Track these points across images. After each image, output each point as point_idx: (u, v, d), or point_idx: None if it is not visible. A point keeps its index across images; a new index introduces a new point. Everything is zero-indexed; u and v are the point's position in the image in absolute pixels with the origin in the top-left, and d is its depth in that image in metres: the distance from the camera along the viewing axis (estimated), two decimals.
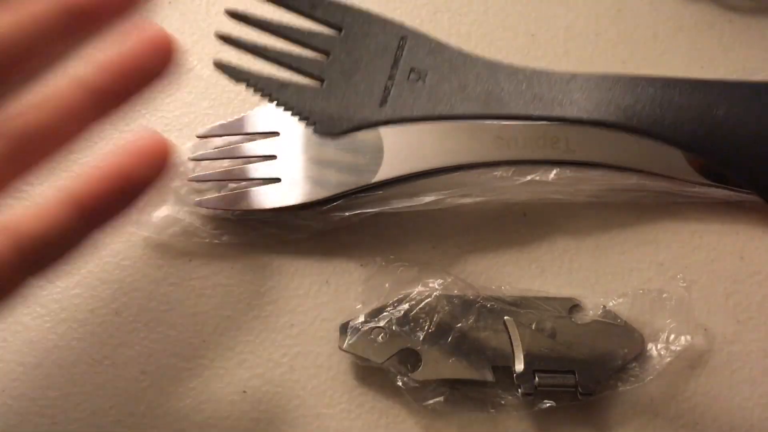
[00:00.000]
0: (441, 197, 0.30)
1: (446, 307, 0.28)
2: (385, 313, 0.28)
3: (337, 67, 0.22)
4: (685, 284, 0.29)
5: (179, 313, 0.29)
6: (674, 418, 0.27)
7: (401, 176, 0.29)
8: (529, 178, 0.30)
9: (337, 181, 0.29)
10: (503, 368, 0.27)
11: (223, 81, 0.33)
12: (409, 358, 0.27)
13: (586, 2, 0.36)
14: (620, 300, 0.29)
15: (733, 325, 0.29)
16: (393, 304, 0.28)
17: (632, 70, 0.34)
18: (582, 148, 0.29)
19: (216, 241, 0.30)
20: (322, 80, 0.22)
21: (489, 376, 0.27)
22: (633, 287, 0.29)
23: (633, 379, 0.27)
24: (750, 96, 0.20)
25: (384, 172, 0.29)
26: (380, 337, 0.27)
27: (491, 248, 0.30)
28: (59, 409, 0.27)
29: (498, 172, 0.30)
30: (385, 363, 0.27)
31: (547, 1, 0.36)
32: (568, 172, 0.30)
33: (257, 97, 0.33)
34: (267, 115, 0.31)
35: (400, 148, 0.29)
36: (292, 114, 0.22)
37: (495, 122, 0.32)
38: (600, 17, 0.35)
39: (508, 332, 0.27)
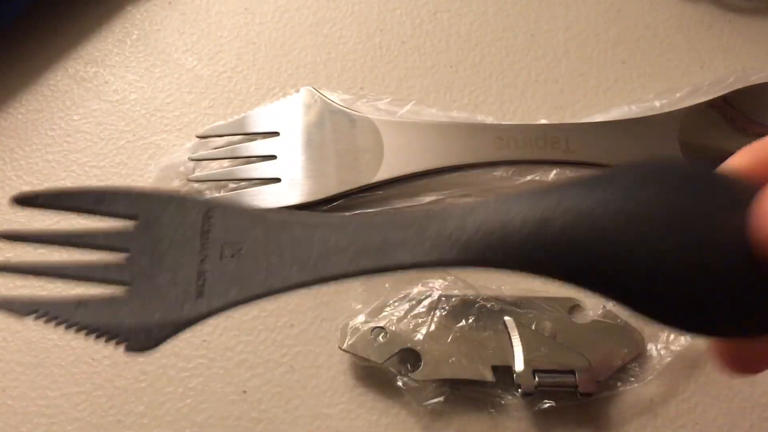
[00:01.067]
0: (441, 197, 0.30)
1: (446, 307, 0.28)
2: (385, 313, 0.28)
3: (140, 265, 0.18)
4: None
5: None
6: (674, 418, 0.27)
7: (401, 176, 0.29)
8: (529, 178, 0.30)
9: (337, 181, 0.29)
10: (503, 368, 0.27)
11: (223, 81, 0.34)
12: (409, 358, 0.27)
13: (586, 2, 0.36)
14: None
15: None
16: (393, 304, 0.28)
17: (632, 70, 0.34)
18: (582, 148, 0.29)
19: None
20: (125, 284, 0.18)
21: (489, 376, 0.27)
22: None
23: (633, 379, 0.27)
24: (584, 198, 0.18)
25: (384, 172, 0.29)
26: (380, 337, 0.27)
27: None
28: (59, 409, 0.27)
29: (498, 172, 0.30)
30: (385, 363, 0.27)
31: (547, 1, 0.36)
32: (568, 172, 0.30)
33: (257, 98, 0.34)
34: (267, 115, 0.31)
35: (400, 148, 0.29)
36: (97, 336, 0.18)
37: (495, 122, 0.32)
38: (600, 17, 0.35)
39: (508, 332, 0.27)
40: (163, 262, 0.19)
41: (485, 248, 0.18)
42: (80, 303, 0.18)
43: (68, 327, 0.18)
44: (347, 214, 0.19)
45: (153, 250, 0.19)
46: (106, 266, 0.19)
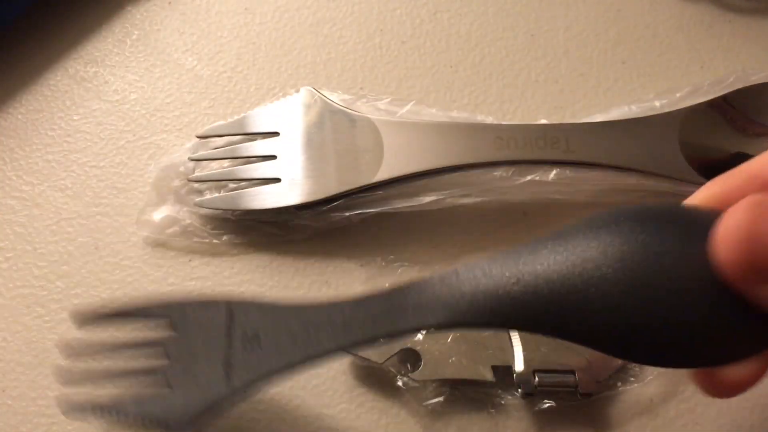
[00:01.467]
0: (441, 197, 0.30)
1: None
2: None
3: (177, 361, 0.22)
4: None
5: None
6: (674, 418, 0.27)
7: (401, 176, 0.29)
8: (529, 178, 0.30)
9: (337, 181, 0.29)
10: (503, 368, 0.27)
11: (223, 81, 0.34)
12: (409, 358, 0.27)
13: (586, 2, 0.36)
14: None
15: None
16: None
17: (632, 70, 0.34)
18: (582, 148, 0.29)
19: (216, 241, 0.30)
20: (167, 382, 0.22)
21: (489, 376, 0.27)
22: None
23: (633, 379, 0.27)
24: (545, 254, 0.19)
25: (384, 172, 0.29)
26: None
27: (491, 248, 0.30)
28: (59, 409, 0.27)
29: (498, 172, 0.30)
30: (385, 363, 0.27)
31: (547, 1, 0.36)
32: (568, 172, 0.30)
33: (257, 98, 0.34)
34: (267, 115, 0.31)
35: (400, 148, 0.29)
36: (141, 425, 0.22)
37: (495, 122, 0.32)
38: (600, 17, 0.35)
39: (508, 332, 0.27)
40: (195, 355, 0.22)
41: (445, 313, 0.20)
42: (136, 399, 0.22)
43: (128, 421, 0.22)
44: (349, 300, 0.22)
45: (186, 348, 0.22)
46: (153, 367, 0.22)
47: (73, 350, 0.24)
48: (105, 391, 0.23)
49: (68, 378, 0.23)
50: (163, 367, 0.22)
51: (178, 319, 0.23)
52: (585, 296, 0.18)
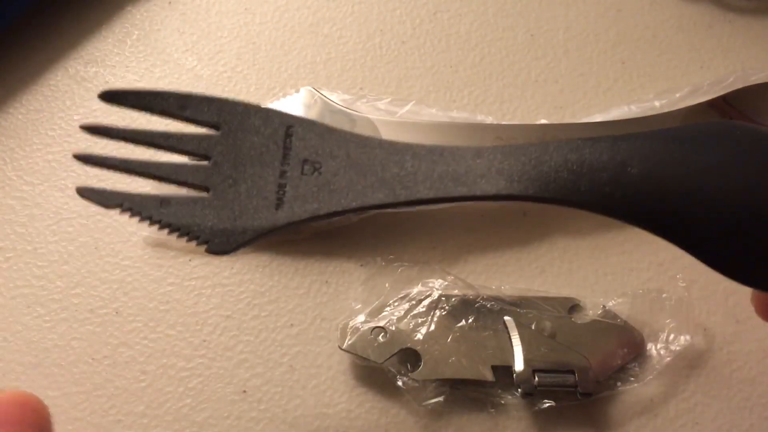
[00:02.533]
0: None
1: (446, 307, 0.28)
2: (385, 313, 0.28)
3: (222, 172, 0.19)
4: (684, 284, 0.29)
5: (179, 313, 0.29)
6: (674, 418, 0.27)
7: None
8: None
9: None
10: (503, 368, 0.27)
11: (223, 81, 0.34)
12: (409, 358, 0.27)
13: (586, 2, 0.36)
14: (620, 300, 0.29)
15: (733, 325, 0.29)
16: (393, 303, 0.28)
17: (632, 70, 0.34)
18: None
19: None
20: (207, 189, 0.19)
21: (489, 376, 0.27)
22: (633, 287, 0.29)
23: (633, 379, 0.27)
24: (662, 147, 0.19)
25: None
26: (380, 337, 0.27)
27: (491, 248, 0.30)
28: (59, 409, 0.27)
29: None
30: (385, 363, 0.27)
31: (547, 1, 0.36)
32: None
33: (257, 98, 0.34)
34: None
35: None
36: (180, 235, 0.19)
37: (495, 122, 0.32)
38: (600, 17, 0.35)
39: (508, 332, 0.27)
40: (244, 171, 0.19)
41: (566, 185, 0.18)
42: (164, 201, 0.19)
43: (152, 223, 0.19)
44: (427, 144, 0.19)
45: (235, 159, 0.19)
46: (189, 169, 0.19)
47: (101, 128, 0.20)
48: (138, 184, 0.20)
49: (91, 160, 0.19)
50: (205, 176, 0.19)
51: (229, 126, 0.19)
52: (692, 192, 0.18)
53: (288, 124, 0.20)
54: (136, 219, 0.19)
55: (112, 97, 0.19)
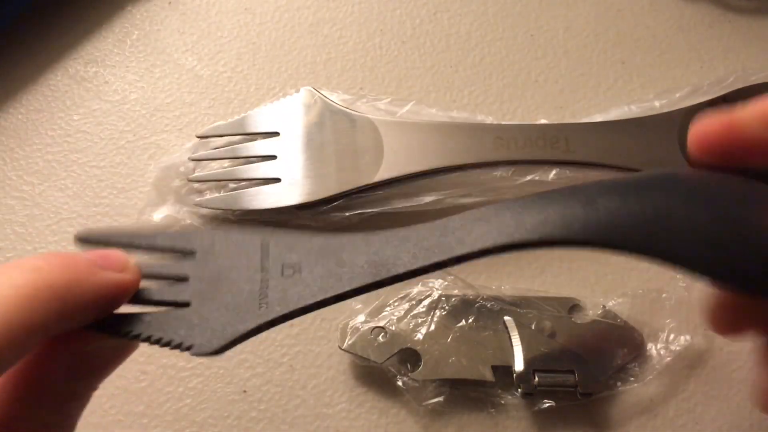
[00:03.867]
0: (441, 197, 0.30)
1: (446, 307, 0.28)
2: (385, 313, 0.28)
3: (201, 288, 0.20)
4: (684, 284, 0.29)
5: None
6: (674, 418, 0.27)
7: (401, 176, 0.29)
8: (529, 178, 0.30)
9: (337, 181, 0.29)
10: (503, 368, 0.27)
11: (223, 81, 0.34)
12: (409, 358, 0.27)
13: (586, 2, 0.36)
14: (620, 300, 0.29)
15: None
16: (393, 303, 0.28)
17: (632, 70, 0.34)
18: (582, 148, 0.29)
19: None
20: (186, 304, 0.20)
21: (489, 376, 0.27)
22: (633, 287, 0.29)
23: (633, 378, 0.27)
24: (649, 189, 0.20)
25: (384, 172, 0.29)
26: (380, 337, 0.27)
27: None
28: None
29: (498, 172, 0.30)
30: (385, 363, 0.27)
31: (547, 1, 0.36)
32: (568, 172, 0.30)
33: (257, 98, 0.34)
34: (267, 115, 0.31)
35: (400, 148, 0.29)
36: (161, 345, 0.20)
37: (495, 122, 0.32)
38: (600, 17, 0.35)
39: (508, 332, 0.27)
40: (223, 285, 0.20)
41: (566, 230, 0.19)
42: (154, 318, 0.20)
43: (142, 341, 0.20)
44: (400, 229, 0.21)
45: (214, 277, 0.20)
46: (168, 287, 0.20)
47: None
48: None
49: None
50: (184, 293, 0.20)
51: (204, 250, 0.20)
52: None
53: (263, 241, 0.21)
54: (125, 339, 0.20)
55: (84, 240, 0.20)
